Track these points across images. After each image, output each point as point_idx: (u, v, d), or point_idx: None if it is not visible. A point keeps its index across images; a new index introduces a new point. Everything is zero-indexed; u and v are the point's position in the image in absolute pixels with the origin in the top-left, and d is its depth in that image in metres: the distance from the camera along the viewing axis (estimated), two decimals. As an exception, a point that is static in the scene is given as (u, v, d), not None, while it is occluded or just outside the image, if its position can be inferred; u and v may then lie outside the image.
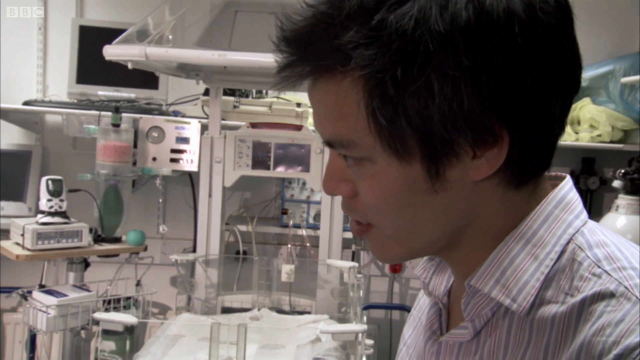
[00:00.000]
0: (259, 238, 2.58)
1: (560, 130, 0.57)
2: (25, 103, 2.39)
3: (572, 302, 0.53)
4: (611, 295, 0.51)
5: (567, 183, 0.61)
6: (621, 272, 0.53)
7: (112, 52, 1.52)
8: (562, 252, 0.57)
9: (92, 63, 2.47)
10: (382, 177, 0.56)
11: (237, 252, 2.52)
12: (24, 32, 2.59)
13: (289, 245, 2.36)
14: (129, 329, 1.93)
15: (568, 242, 0.57)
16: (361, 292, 1.82)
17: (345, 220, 2.13)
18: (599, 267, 0.54)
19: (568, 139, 2.36)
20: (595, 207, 2.63)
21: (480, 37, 0.50)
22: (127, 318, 1.39)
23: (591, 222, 0.60)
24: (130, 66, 1.56)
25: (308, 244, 2.40)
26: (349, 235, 2.44)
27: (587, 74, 2.40)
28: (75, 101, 2.41)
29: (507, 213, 0.59)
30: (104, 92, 2.42)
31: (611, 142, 2.36)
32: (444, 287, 0.69)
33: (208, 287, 2.09)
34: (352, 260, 2.50)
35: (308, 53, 0.54)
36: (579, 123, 2.42)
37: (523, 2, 0.51)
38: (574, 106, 2.45)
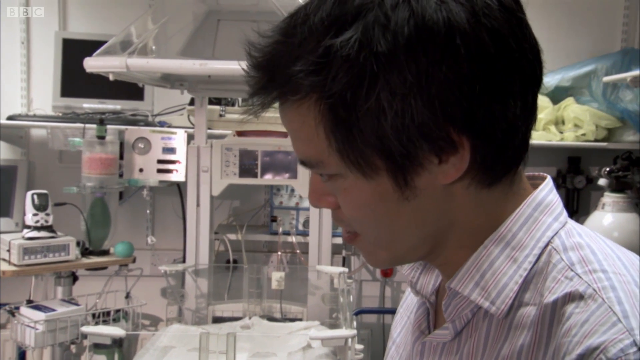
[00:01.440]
0: (249, 246, 2.57)
1: (527, 126, 0.57)
2: (10, 118, 2.37)
3: (545, 302, 0.54)
4: (580, 297, 0.52)
5: (548, 184, 0.62)
6: (591, 274, 0.54)
7: (93, 64, 1.52)
8: (540, 255, 0.58)
9: (76, 76, 2.47)
10: (354, 190, 0.58)
11: (227, 261, 2.51)
12: (7, 46, 2.58)
13: (279, 253, 2.36)
14: (119, 342, 1.92)
15: (546, 245, 0.58)
16: (352, 297, 1.82)
17: (334, 226, 2.12)
18: (572, 270, 0.55)
19: (553, 138, 2.38)
20: (582, 205, 2.64)
21: (422, 53, 0.51)
22: (115, 331, 1.38)
23: (570, 223, 0.61)
24: (111, 78, 1.56)
25: (298, 251, 2.39)
26: (339, 241, 2.44)
27: (569, 74, 2.42)
28: (60, 114, 2.40)
29: (484, 212, 0.59)
30: (89, 105, 2.41)
31: (596, 140, 2.38)
32: (431, 287, 0.70)
33: (198, 297, 2.08)
34: (343, 265, 2.50)
35: (270, 80, 0.56)
36: (563, 123, 2.43)
37: (466, 10, 0.52)
38: (558, 106, 2.48)
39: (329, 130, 0.55)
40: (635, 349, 0.47)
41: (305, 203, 2.41)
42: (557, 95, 2.46)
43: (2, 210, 2.47)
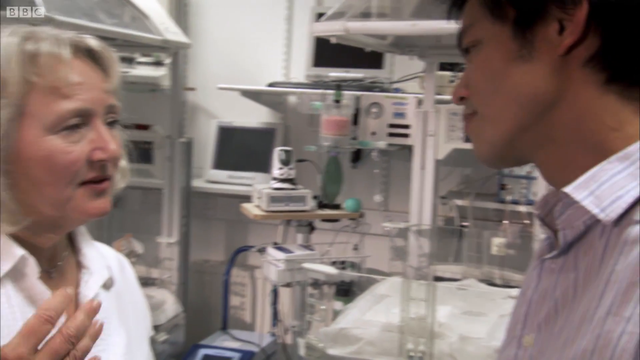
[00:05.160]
0: (479, 213, 2.57)
1: None
2: (270, 85, 2.72)
3: None
4: None
5: None
6: None
7: (317, 28, 1.67)
8: None
9: (326, 47, 2.70)
10: (484, 51, 0.64)
11: (461, 226, 2.55)
12: (272, 23, 2.93)
13: (506, 221, 2.32)
14: (349, 291, 2.11)
15: None
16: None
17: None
18: None
19: None
20: None
21: None
22: (329, 269, 1.56)
23: None
24: (333, 41, 1.69)
25: (527, 221, 2.33)
26: (573, 213, 2.30)
27: None
28: (311, 82, 2.67)
29: (605, 115, 0.60)
30: (335, 73, 2.63)
31: None
32: None
33: (420, 256, 2.17)
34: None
35: None
36: None
37: None
38: None
39: None
40: None
41: (537, 172, 2.33)
42: None
43: (262, 167, 2.85)
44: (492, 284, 2.05)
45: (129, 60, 2.87)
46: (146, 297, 2.41)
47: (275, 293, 2.82)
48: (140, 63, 2.89)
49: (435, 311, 1.43)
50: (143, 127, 2.74)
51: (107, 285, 0.93)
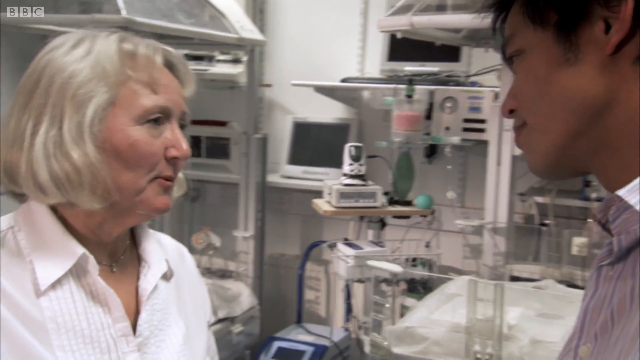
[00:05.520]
0: (562, 211, 2.46)
1: None
2: (343, 80, 2.71)
3: None
4: None
5: None
6: None
7: (383, 23, 1.65)
8: None
9: (401, 41, 2.66)
10: (528, 60, 0.63)
11: (541, 224, 2.45)
12: (348, 18, 2.92)
13: (589, 220, 2.20)
14: (422, 288, 2.08)
15: None
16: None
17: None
18: None
19: None
20: None
21: None
22: (392, 266, 1.53)
23: None
24: (399, 36, 1.67)
25: (613, 220, 2.20)
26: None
27: None
28: (385, 77, 2.64)
29: None
30: (410, 67, 2.58)
31: None
32: None
33: (496, 254, 2.10)
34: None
35: None
36: None
37: None
38: None
39: None
40: None
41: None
42: None
43: (336, 163, 2.85)
44: (572, 285, 1.96)
45: (209, 59, 2.96)
46: (223, 289, 2.52)
47: (348, 288, 2.82)
48: (219, 61, 2.97)
49: (503, 312, 1.37)
50: (221, 124, 2.81)
51: (167, 276, 0.96)
